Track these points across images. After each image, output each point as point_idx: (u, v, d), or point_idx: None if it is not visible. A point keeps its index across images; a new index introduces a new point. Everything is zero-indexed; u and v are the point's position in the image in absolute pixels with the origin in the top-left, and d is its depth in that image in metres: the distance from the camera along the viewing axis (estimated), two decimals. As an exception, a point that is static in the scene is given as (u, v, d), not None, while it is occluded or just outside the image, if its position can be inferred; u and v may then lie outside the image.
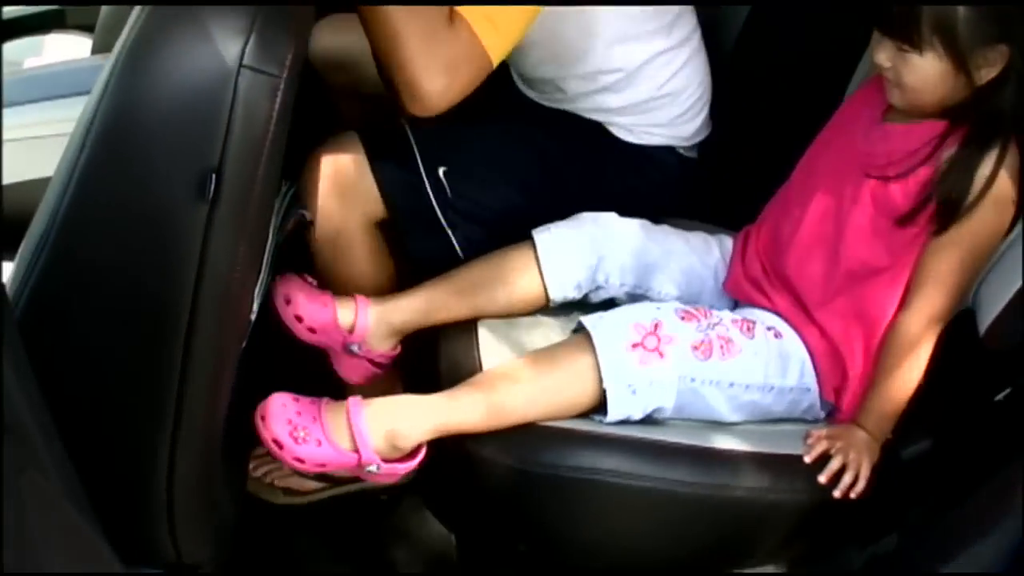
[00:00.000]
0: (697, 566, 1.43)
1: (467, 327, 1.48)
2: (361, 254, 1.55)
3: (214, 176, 0.96)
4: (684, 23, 1.62)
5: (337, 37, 1.78)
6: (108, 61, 1.02)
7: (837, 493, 1.31)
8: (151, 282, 1.00)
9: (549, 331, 1.48)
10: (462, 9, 1.30)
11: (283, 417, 1.27)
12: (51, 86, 1.79)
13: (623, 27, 1.53)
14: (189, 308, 0.99)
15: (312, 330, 1.46)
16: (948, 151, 1.32)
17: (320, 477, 1.58)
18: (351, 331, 1.47)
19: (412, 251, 1.57)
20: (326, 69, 1.80)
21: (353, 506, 1.62)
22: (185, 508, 1.11)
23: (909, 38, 1.30)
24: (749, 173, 1.68)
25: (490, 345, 1.44)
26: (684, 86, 1.62)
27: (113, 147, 0.99)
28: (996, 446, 1.29)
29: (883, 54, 1.34)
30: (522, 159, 1.59)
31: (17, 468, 0.77)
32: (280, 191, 1.22)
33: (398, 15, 1.25)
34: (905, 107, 1.38)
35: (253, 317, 1.21)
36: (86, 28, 2.26)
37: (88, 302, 1.02)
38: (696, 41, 1.64)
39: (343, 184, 1.50)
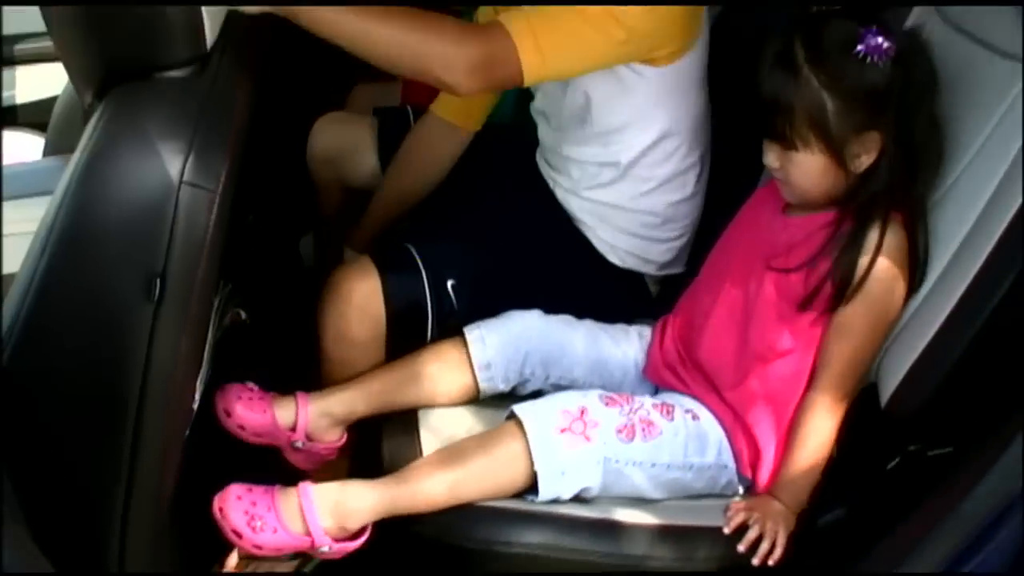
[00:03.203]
0: None
1: (408, 416, 1.58)
2: (366, 364, 1.62)
3: (159, 280, 1.09)
4: (701, 140, 1.68)
5: (329, 135, 1.99)
6: (67, 168, 1.15)
7: (755, 560, 1.36)
8: (104, 372, 1.12)
9: (485, 419, 1.57)
10: (505, 18, 1.42)
11: (240, 508, 1.35)
12: (9, 186, 1.86)
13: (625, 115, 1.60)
14: (138, 395, 1.11)
15: (257, 435, 1.55)
16: (841, 237, 1.39)
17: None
18: (293, 430, 1.56)
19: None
20: (317, 164, 1.99)
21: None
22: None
23: (787, 138, 1.39)
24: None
25: (430, 433, 1.55)
26: (685, 214, 1.72)
27: (70, 251, 1.12)
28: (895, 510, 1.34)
29: (771, 155, 1.43)
30: (521, 274, 1.68)
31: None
32: (218, 289, 1.34)
33: (394, 34, 1.36)
34: (797, 202, 1.46)
35: (196, 405, 1.32)
36: (38, 127, 2.32)
37: (48, 388, 1.13)
38: (706, 174, 1.72)
39: (358, 306, 1.58)
